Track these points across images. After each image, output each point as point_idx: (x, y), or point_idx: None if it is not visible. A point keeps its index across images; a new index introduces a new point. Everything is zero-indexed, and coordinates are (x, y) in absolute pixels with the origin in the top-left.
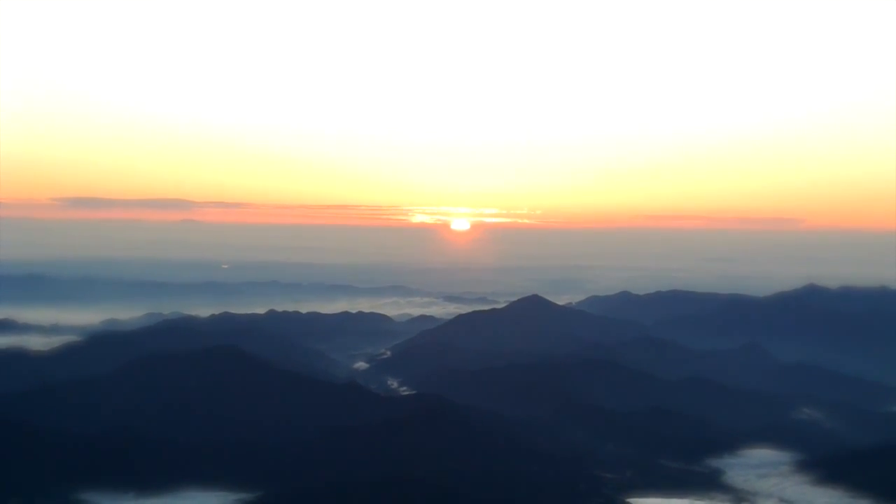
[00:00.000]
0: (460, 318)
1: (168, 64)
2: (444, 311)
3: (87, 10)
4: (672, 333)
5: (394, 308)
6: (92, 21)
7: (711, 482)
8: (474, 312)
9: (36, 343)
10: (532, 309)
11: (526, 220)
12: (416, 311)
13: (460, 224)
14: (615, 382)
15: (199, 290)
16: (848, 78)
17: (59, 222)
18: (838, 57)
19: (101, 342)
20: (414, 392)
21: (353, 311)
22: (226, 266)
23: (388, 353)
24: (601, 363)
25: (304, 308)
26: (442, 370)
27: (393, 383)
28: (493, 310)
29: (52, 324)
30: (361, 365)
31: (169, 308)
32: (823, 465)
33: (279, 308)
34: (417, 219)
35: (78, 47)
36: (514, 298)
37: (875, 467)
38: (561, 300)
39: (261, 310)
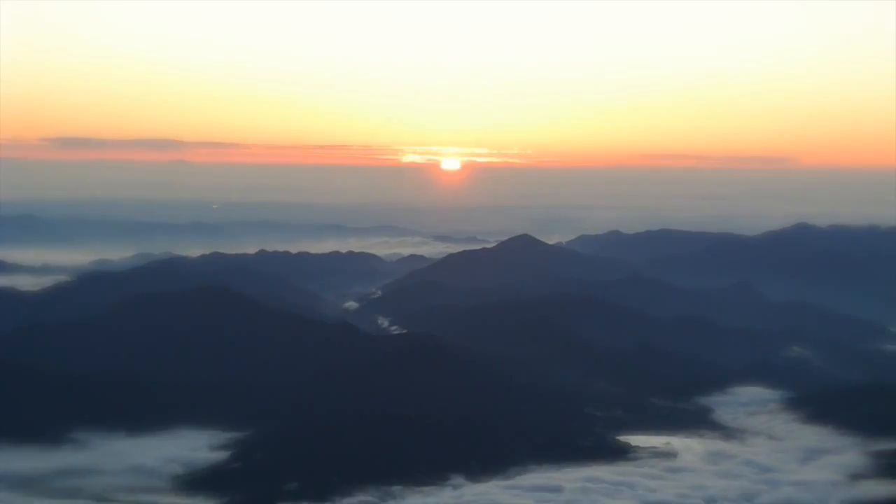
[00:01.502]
0: (450, 258)
1: (159, 2)
2: (435, 250)
3: None
4: (662, 272)
5: (384, 248)
6: None
7: (701, 420)
8: (464, 252)
9: (26, 283)
10: (522, 248)
11: (516, 160)
12: (406, 251)
13: (451, 164)
14: (605, 321)
15: (189, 230)
16: (839, 15)
17: (50, 163)
18: None
19: (91, 282)
20: (404, 331)
21: (344, 251)
22: (216, 206)
23: (379, 292)
24: (591, 302)
25: (295, 248)
26: (432, 309)
27: (383, 322)
28: (484, 249)
29: (42, 264)
30: (352, 304)
31: (159, 248)
32: (812, 402)
33: (269, 248)
34: (408, 158)
35: None
36: (505, 238)
37: (864, 405)
38: (551, 239)
39: (251, 250)
